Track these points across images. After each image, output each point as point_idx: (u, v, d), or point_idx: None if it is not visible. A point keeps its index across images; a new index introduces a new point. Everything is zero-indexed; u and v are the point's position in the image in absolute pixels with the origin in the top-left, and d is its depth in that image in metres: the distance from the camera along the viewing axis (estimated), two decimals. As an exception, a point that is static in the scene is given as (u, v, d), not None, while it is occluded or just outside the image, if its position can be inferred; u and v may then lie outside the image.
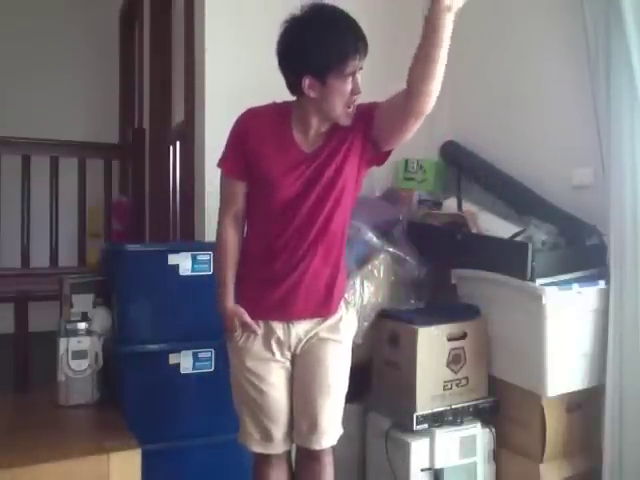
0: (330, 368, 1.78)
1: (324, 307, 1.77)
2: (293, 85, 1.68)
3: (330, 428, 1.79)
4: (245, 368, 1.76)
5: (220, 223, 1.80)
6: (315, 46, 1.60)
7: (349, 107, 1.67)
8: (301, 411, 1.78)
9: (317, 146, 1.72)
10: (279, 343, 1.76)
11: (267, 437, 1.79)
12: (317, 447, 1.78)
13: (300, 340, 1.76)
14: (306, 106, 1.69)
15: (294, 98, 1.72)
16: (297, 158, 1.71)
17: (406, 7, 2.91)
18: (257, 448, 1.80)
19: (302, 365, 1.79)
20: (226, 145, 1.78)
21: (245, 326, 1.74)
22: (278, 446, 1.80)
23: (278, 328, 1.75)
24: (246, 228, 1.82)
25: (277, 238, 1.72)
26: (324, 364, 1.77)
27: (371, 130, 1.70)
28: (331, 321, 1.79)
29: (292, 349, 1.77)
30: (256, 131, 1.72)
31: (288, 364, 1.79)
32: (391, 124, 1.68)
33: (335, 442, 1.82)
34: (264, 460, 1.83)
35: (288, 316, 1.75)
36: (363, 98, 1.69)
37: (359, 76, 1.65)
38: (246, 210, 1.80)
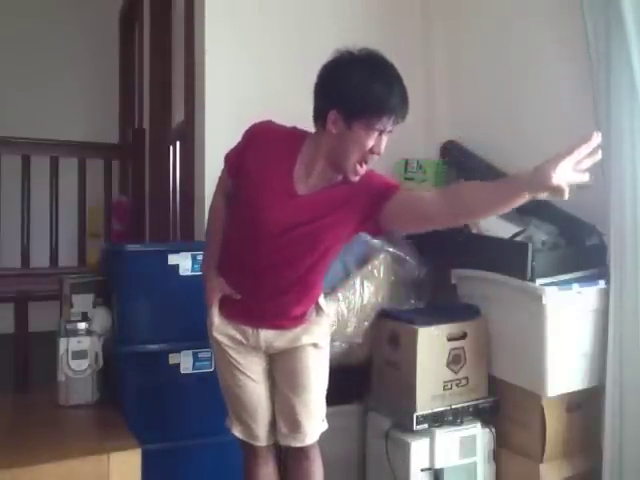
0: (311, 371, 1.79)
1: (289, 326, 1.78)
2: (318, 113, 1.62)
3: (311, 427, 1.81)
4: (226, 360, 1.79)
5: (213, 198, 1.91)
6: (359, 85, 1.52)
7: (361, 164, 1.59)
8: (281, 414, 1.81)
9: (313, 191, 1.66)
10: (249, 344, 1.78)
11: (250, 433, 1.83)
12: (300, 445, 1.81)
13: (270, 343, 1.77)
14: (320, 143, 1.62)
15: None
16: (286, 190, 1.65)
17: (400, 25, 2.93)
18: (240, 435, 1.84)
19: (280, 369, 1.80)
20: (238, 142, 1.78)
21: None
22: (261, 441, 1.84)
23: (247, 331, 1.77)
24: (224, 236, 1.82)
25: (251, 263, 1.72)
26: (303, 370, 1.78)
27: (379, 213, 1.62)
28: (304, 326, 1.79)
29: (263, 349, 1.78)
30: (260, 147, 1.70)
31: (263, 361, 1.81)
32: (406, 220, 1.66)
33: (317, 437, 1.83)
34: (251, 457, 1.86)
35: (254, 325, 1.77)
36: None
37: (385, 138, 1.58)
38: (227, 217, 1.81)
